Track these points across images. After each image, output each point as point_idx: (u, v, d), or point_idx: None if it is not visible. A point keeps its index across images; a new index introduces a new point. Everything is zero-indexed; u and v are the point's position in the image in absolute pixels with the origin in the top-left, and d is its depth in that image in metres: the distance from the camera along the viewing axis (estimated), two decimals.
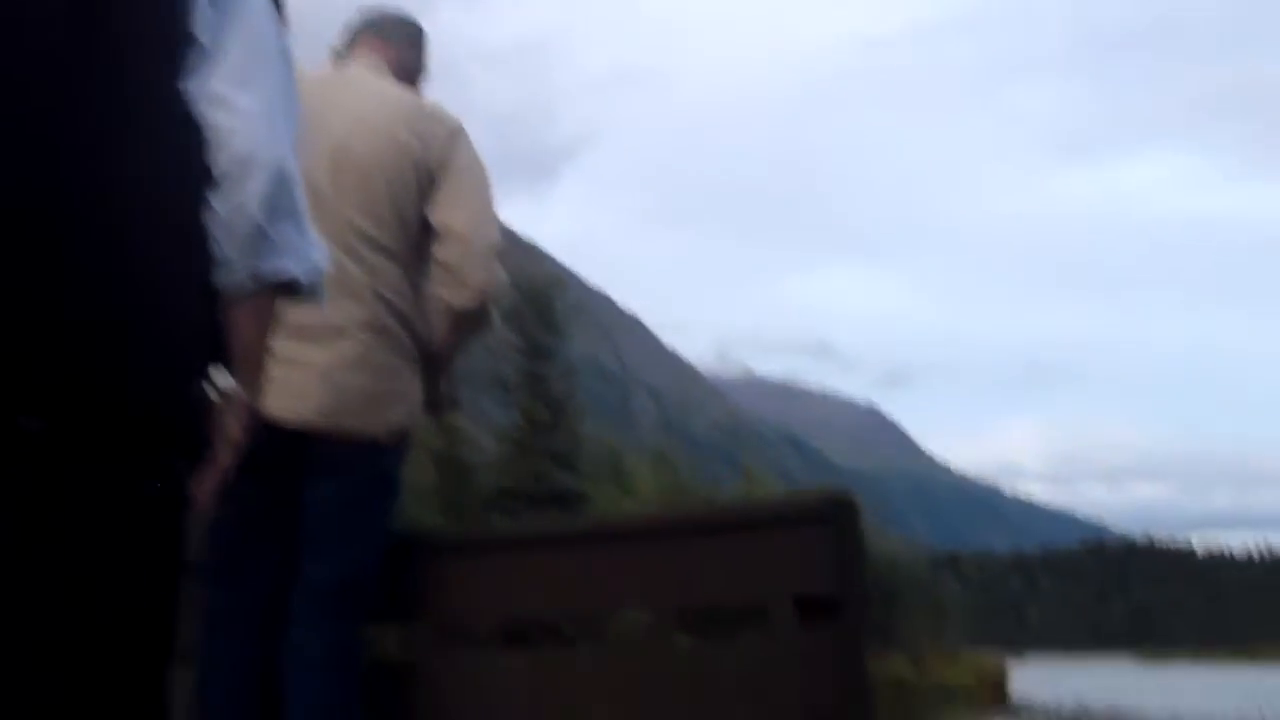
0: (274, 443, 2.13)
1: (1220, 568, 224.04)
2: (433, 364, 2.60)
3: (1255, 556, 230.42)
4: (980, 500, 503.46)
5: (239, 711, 2.41)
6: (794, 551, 2.31)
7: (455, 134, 2.56)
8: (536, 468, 28.44)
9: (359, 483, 2.48)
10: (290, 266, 1.44)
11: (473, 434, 29.55)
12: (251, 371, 1.46)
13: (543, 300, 31.56)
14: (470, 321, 2.59)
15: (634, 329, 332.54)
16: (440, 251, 2.51)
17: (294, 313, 1.67)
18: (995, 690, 43.51)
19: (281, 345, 1.77)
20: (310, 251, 1.48)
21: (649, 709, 2.39)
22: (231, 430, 1.44)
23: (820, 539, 2.27)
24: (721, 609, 2.99)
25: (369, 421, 2.43)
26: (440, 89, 2.94)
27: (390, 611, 2.58)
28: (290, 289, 1.47)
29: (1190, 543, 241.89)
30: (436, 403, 2.67)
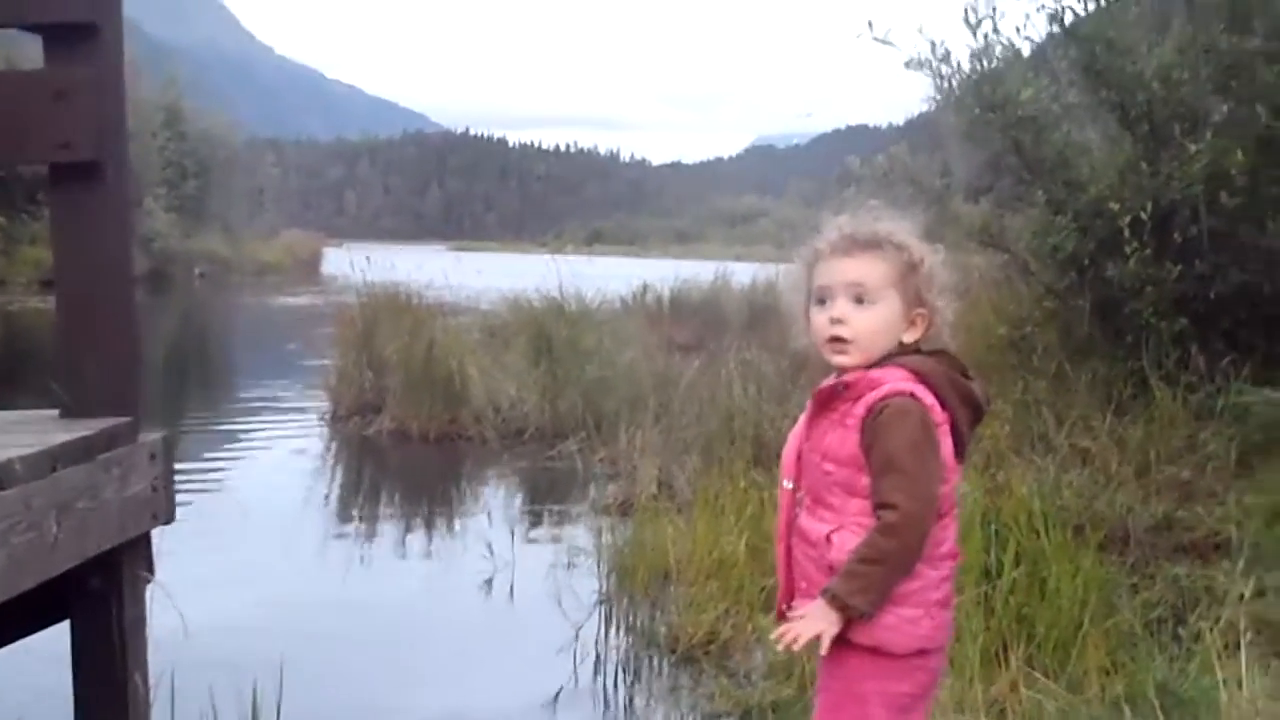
0: None
1: (531, 159, 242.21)
2: None
3: (564, 149, 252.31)
4: (305, 84, 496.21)
5: None
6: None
7: None
8: None
9: None
10: None
11: None
12: None
13: None
14: None
15: None
16: None
17: None
18: (308, 268, 45.32)
19: None
20: None
21: None
22: None
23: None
24: None
25: None
26: None
27: None
28: None
29: (504, 137, 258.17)
30: None
